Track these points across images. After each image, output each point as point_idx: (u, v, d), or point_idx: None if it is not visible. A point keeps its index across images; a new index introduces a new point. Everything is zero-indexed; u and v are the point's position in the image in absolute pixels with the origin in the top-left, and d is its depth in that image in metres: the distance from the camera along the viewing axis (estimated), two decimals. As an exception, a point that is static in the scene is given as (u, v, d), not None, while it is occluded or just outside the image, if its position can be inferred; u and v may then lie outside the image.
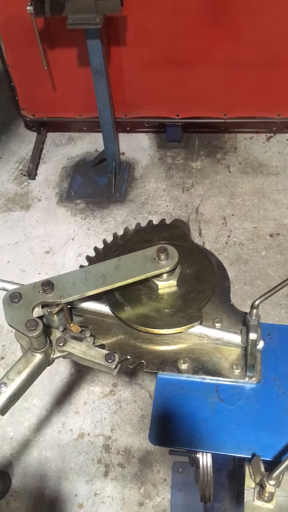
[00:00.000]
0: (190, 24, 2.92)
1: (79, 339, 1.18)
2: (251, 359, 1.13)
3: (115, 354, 1.15)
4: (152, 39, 3.00)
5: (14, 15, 2.92)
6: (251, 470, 0.99)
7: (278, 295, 2.75)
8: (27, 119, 3.57)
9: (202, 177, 3.45)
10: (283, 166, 3.45)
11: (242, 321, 1.20)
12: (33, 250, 3.18)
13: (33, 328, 1.07)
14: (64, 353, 1.17)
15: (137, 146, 3.70)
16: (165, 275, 1.23)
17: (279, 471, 0.93)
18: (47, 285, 1.14)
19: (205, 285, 1.25)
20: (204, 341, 1.20)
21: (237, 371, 1.16)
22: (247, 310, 1.10)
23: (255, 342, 1.09)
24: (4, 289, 1.24)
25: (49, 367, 1.19)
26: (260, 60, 3.04)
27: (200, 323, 1.19)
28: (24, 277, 3.01)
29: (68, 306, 1.20)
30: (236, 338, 1.17)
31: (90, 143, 3.77)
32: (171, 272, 1.23)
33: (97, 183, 3.51)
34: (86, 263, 1.32)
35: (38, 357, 1.13)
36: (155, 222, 1.44)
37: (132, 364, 1.16)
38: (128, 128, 3.74)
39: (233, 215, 3.21)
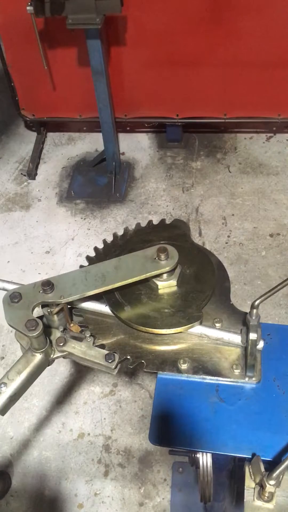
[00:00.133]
0: (190, 24, 2.92)
1: (79, 339, 1.18)
2: (251, 359, 1.13)
3: (115, 354, 1.15)
4: (152, 39, 3.00)
5: (14, 15, 2.92)
6: (251, 470, 0.99)
7: (278, 295, 2.75)
8: (27, 119, 3.57)
9: (202, 177, 3.45)
10: (283, 166, 3.45)
11: (242, 321, 1.20)
12: (33, 250, 3.18)
13: (33, 328, 1.07)
14: (64, 353, 1.18)
15: (137, 146, 3.70)
16: (165, 275, 1.23)
17: (279, 471, 0.93)
18: (47, 285, 1.14)
19: (205, 285, 1.25)
20: (204, 341, 1.20)
21: (237, 371, 1.17)
22: (247, 310, 1.10)
23: (255, 342, 1.09)
24: (4, 289, 1.24)
25: (49, 367, 1.19)
26: (260, 60, 3.04)
27: (200, 323, 1.19)
28: (24, 277, 3.01)
29: (68, 306, 1.20)
30: (236, 338, 1.17)
31: (90, 143, 3.77)
32: (171, 272, 1.23)
33: (97, 183, 3.51)
34: (86, 263, 1.32)
35: (38, 357, 1.13)
36: (155, 222, 1.44)
37: (132, 364, 1.16)
38: (128, 128, 3.75)
39: (233, 215, 3.21)
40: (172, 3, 2.83)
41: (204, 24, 2.91)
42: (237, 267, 2.94)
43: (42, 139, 3.79)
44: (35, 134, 3.82)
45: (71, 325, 1.21)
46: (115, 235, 1.40)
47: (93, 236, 3.21)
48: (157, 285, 1.24)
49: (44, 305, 1.17)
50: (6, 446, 2.43)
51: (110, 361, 1.14)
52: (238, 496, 1.36)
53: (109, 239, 1.41)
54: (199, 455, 1.17)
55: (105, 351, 1.15)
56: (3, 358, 2.71)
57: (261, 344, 1.15)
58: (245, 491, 0.98)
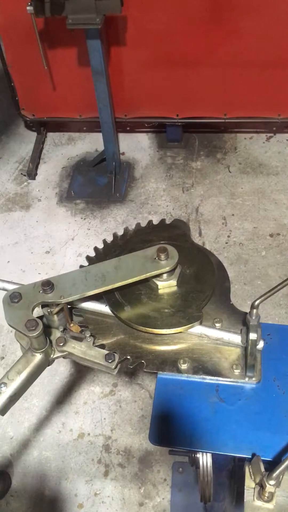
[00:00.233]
0: (190, 24, 2.92)
1: (79, 339, 1.18)
2: (251, 359, 1.13)
3: (115, 354, 1.15)
4: (152, 39, 3.00)
5: (14, 15, 2.92)
6: (251, 470, 0.99)
7: (278, 295, 2.75)
8: (27, 119, 3.57)
9: (202, 177, 3.45)
10: (283, 166, 3.45)
11: (242, 321, 1.20)
12: (33, 250, 3.18)
13: (33, 328, 1.07)
14: (64, 353, 1.17)
15: (137, 146, 3.70)
16: (165, 275, 1.23)
17: (279, 471, 0.93)
18: (47, 285, 1.14)
19: (205, 285, 1.25)
20: (204, 341, 1.20)
21: (237, 371, 1.16)
22: (247, 310, 1.10)
23: (255, 342, 1.09)
24: (4, 289, 1.24)
25: (49, 367, 1.19)
26: (260, 60, 3.04)
27: (200, 323, 1.19)
28: (24, 277, 3.01)
29: (68, 306, 1.20)
30: (236, 338, 1.17)
31: (90, 143, 3.77)
32: (171, 272, 1.23)
33: (97, 183, 3.51)
34: (86, 263, 1.32)
35: (38, 357, 1.13)
36: (155, 222, 1.44)
37: (132, 364, 1.16)
38: (128, 128, 3.74)
39: (233, 215, 3.21)
40: (172, 3, 2.83)
41: (204, 24, 2.91)
42: (237, 267, 2.94)
43: (42, 139, 3.79)
44: (35, 134, 3.82)
45: (71, 325, 1.21)
46: (115, 235, 1.40)
47: (93, 236, 3.21)
48: (157, 285, 1.24)
49: (44, 305, 1.17)
50: (6, 446, 2.43)
51: (110, 361, 1.14)
52: (238, 496, 1.36)
53: (109, 239, 1.41)
54: (199, 455, 1.17)
55: (105, 351, 1.15)
56: (3, 358, 2.71)
57: (261, 344, 1.15)
58: (245, 491, 0.98)
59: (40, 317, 1.16)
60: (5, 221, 3.36)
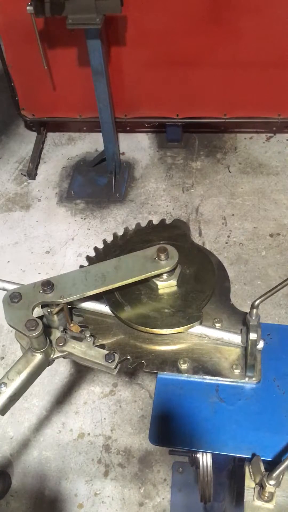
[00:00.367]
0: (190, 24, 2.92)
1: (79, 339, 1.18)
2: (251, 359, 1.13)
3: (115, 354, 1.15)
4: (152, 39, 3.00)
5: (14, 15, 2.92)
6: (251, 470, 0.99)
7: (278, 295, 2.75)
8: (27, 119, 3.57)
9: (202, 177, 3.45)
10: (283, 166, 3.45)
11: (242, 321, 1.20)
12: (33, 250, 3.18)
13: (33, 328, 1.07)
14: (64, 353, 1.17)
15: (137, 146, 3.70)
16: (165, 275, 1.23)
17: (279, 471, 0.93)
18: (47, 285, 1.14)
19: (205, 285, 1.25)
20: (204, 341, 1.20)
21: (237, 371, 1.16)
22: (247, 310, 1.10)
23: (255, 342, 1.09)
24: (4, 289, 1.24)
25: (49, 367, 1.19)
26: (260, 60, 3.04)
27: (200, 323, 1.19)
28: (24, 277, 3.01)
29: (68, 306, 1.20)
30: (236, 338, 1.17)
31: (90, 143, 3.77)
32: (171, 272, 1.23)
33: (97, 183, 3.51)
34: (86, 263, 1.32)
35: (38, 357, 1.13)
36: (155, 222, 1.44)
37: (132, 364, 1.16)
38: (128, 128, 3.75)
39: (233, 215, 3.21)
40: (172, 3, 2.84)
41: (204, 24, 2.91)
42: (237, 267, 2.94)
43: (42, 139, 3.79)
44: (35, 134, 3.82)
45: (71, 325, 1.21)
46: (115, 235, 1.40)
47: (93, 236, 3.21)
48: (157, 285, 1.24)
49: (44, 305, 1.17)
50: (6, 446, 2.43)
51: (110, 361, 1.14)
52: (238, 496, 1.36)
53: (109, 239, 1.41)
54: (199, 455, 1.17)
55: (105, 351, 1.15)
56: (3, 358, 2.71)
57: (261, 344, 1.15)
58: (245, 491, 0.98)
59: (40, 317, 1.16)
60: (5, 221, 3.36)
